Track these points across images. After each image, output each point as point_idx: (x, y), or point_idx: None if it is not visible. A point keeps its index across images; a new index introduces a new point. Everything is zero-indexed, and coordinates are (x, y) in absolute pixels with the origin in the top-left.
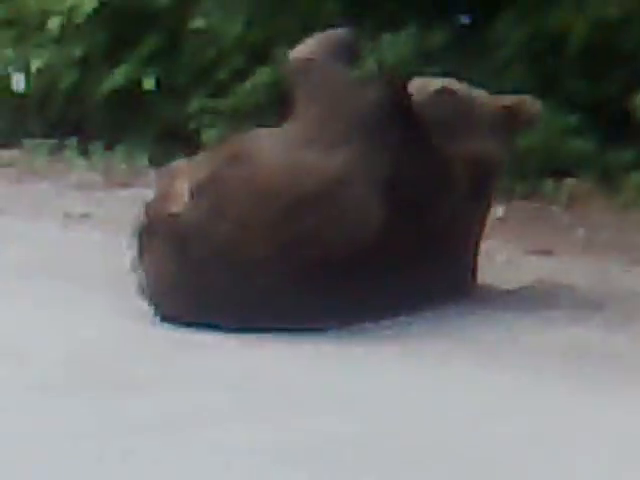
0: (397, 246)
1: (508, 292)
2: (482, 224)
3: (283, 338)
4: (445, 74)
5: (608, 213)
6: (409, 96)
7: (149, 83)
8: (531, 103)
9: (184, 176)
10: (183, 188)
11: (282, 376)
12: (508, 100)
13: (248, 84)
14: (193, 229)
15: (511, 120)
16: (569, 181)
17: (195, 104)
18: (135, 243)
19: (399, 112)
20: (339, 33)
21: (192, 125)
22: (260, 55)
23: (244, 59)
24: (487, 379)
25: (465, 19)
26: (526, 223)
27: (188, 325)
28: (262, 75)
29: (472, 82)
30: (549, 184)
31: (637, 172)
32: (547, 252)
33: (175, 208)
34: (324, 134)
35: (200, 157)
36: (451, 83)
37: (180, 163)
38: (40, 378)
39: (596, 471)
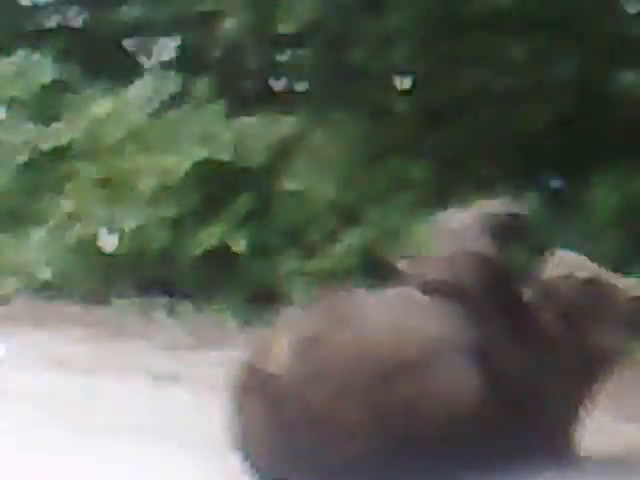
0: (489, 421)
1: (598, 460)
2: (590, 402)
3: None
4: (539, 238)
5: None
6: (510, 277)
7: (240, 244)
8: None
9: (285, 334)
10: (283, 347)
11: None
12: (636, 289)
13: (339, 246)
14: (290, 391)
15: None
16: None
17: (286, 266)
18: (232, 399)
19: (504, 292)
20: (503, 213)
21: (283, 287)
22: (351, 216)
23: (335, 220)
24: None
25: (556, 183)
26: (620, 391)
27: None
28: (353, 237)
29: (568, 246)
30: None
31: None
32: (637, 419)
33: (273, 368)
34: (428, 301)
35: (302, 313)
36: (596, 271)
37: (281, 319)
38: None
39: None
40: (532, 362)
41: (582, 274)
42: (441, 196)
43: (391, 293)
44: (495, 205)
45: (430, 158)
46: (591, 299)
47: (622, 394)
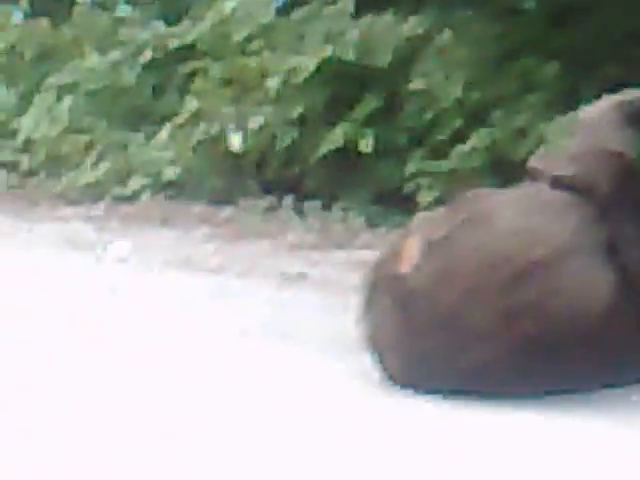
0: (623, 326)
1: None
2: None
3: (499, 404)
4: None
5: None
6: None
7: (366, 144)
8: None
9: (416, 235)
10: (413, 247)
11: (495, 445)
12: None
13: (466, 147)
14: (418, 293)
15: None
16: None
17: (412, 166)
18: (362, 299)
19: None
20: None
21: (409, 187)
22: (478, 117)
23: (463, 121)
24: None
25: None
26: None
27: (405, 387)
28: (480, 138)
29: None
30: None
31: None
32: None
33: (403, 269)
34: (558, 198)
35: (435, 214)
36: None
37: (415, 220)
38: None
39: None
40: None
41: None
42: (570, 97)
43: (521, 191)
44: (634, 93)
45: (558, 58)
46: None
47: None
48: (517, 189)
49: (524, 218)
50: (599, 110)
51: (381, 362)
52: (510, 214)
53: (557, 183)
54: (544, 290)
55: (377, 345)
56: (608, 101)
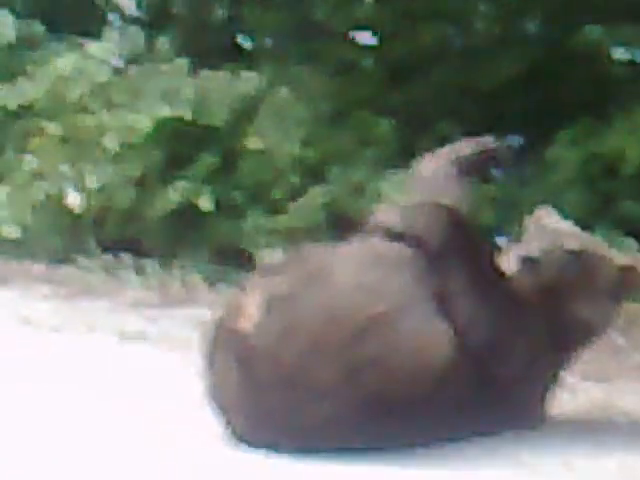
0: (459, 382)
1: (563, 416)
2: (566, 366)
3: (337, 458)
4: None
5: None
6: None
7: (205, 202)
8: None
9: (255, 291)
10: (254, 304)
11: None
12: (624, 260)
13: (303, 203)
14: (261, 350)
15: (629, 282)
16: (627, 305)
17: (251, 223)
18: (204, 356)
19: (469, 247)
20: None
21: (247, 244)
22: (316, 174)
23: (300, 178)
24: None
25: (516, 140)
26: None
27: (249, 445)
28: (317, 194)
29: (529, 203)
30: None
31: None
32: (602, 377)
33: (244, 325)
34: (394, 252)
35: (272, 271)
36: (577, 234)
37: (255, 274)
38: None
39: None
40: (502, 325)
41: (570, 245)
42: (405, 153)
43: (357, 245)
44: (468, 146)
45: (394, 115)
46: (578, 272)
47: (587, 354)
48: (354, 242)
49: (362, 273)
50: (433, 163)
51: (225, 420)
52: (349, 269)
53: (390, 235)
54: (384, 346)
55: (220, 403)
56: (442, 154)
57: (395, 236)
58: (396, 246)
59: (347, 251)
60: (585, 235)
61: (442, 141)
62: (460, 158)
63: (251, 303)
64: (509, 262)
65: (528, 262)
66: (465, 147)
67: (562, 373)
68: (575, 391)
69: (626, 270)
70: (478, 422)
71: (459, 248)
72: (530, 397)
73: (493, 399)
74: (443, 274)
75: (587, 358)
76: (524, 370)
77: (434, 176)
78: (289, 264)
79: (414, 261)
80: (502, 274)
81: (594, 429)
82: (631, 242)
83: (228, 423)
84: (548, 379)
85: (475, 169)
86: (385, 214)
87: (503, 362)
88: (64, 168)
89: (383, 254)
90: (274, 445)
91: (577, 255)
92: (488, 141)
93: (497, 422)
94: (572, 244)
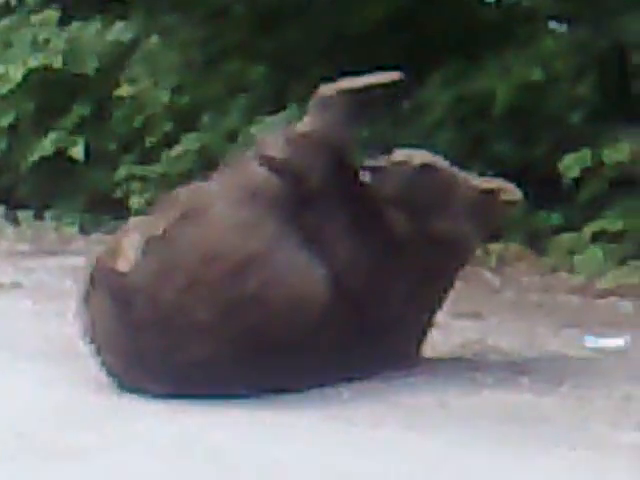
0: (338, 325)
1: (437, 356)
2: (439, 302)
3: (214, 404)
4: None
5: (536, 275)
6: (355, 171)
7: (77, 151)
8: (512, 190)
9: (132, 233)
10: (132, 245)
11: (214, 443)
12: (489, 184)
13: (175, 150)
14: (137, 290)
15: (489, 205)
16: (499, 244)
17: (123, 171)
18: (81, 295)
19: (346, 186)
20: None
21: (120, 192)
22: (188, 121)
23: (172, 126)
24: (416, 443)
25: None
26: (455, 286)
27: (121, 389)
28: (190, 141)
29: (402, 144)
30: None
31: (564, 234)
32: (476, 315)
33: (122, 265)
34: (269, 186)
35: (149, 213)
36: (434, 159)
37: (132, 220)
38: None
39: None
40: (380, 268)
41: (419, 159)
42: (279, 98)
43: (233, 179)
44: (367, 79)
45: (267, 60)
46: (431, 184)
47: (460, 293)
48: (230, 175)
49: (237, 210)
50: (329, 93)
51: (100, 360)
52: (223, 207)
53: (269, 164)
54: (260, 285)
55: (95, 342)
56: (341, 85)
57: (275, 168)
58: (273, 180)
59: (222, 187)
60: (442, 161)
61: (315, 86)
62: (355, 93)
63: (128, 244)
64: None
65: (373, 171)
66: (361, 79)
67: (435, 313)
68: (449, 330)
69: (487, 193)
70: (355, 364)
71: (339, 188)
72: (406, 338)
73: (370, 341)
74: (321, 213)
75: (460, 297)
76: (401, 312)
77: (328, 108)
78: (165, 205)
79: (291, 198)
80: (380, 216)
81: (468, 367)
82: None
83: (103, 364)
84: (423, 320)
85: (370, 102)
86: (268, 143)
87: (381, 304)
88: None
89: (259, 190)
90: (149, 386)
91: (427, 168)
92: (383, 74)
93: (374, 364)
94: (422, 159)
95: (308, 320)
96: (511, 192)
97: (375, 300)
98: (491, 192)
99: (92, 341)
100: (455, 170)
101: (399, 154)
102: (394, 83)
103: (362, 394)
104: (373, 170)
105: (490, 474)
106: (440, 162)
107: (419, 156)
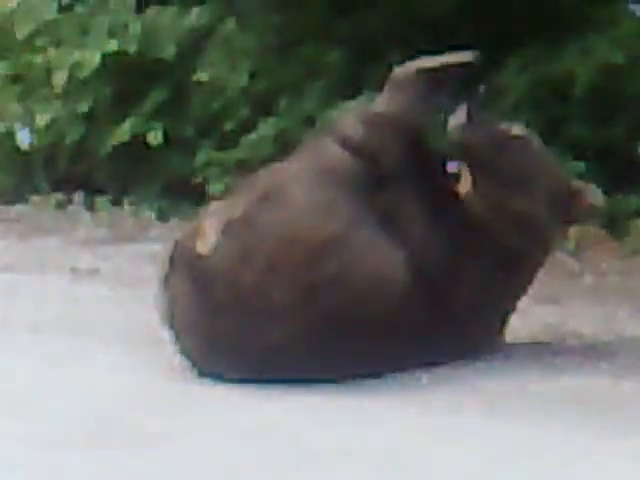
0: (417, 309)
1: (516, 341)
2: (523, 288)
3: (293, 390)
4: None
5: (615, 259)
6: (430, 152)
7: (155, 137)
8: (595, 195)
9: (212, 216)
10: (212, 227)
11: (293, 428)
12: (575, 183)
13: (254, 136)
14: (217, 273)
15: (571, 202)
16: (576, 227)
17: (201, 157)
18: (161, 279)
19: (422, 167)
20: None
21: (199, 178)
22: (265, 106)
23: (249, 110)
24: (496, 428)
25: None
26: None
27: (200, 375)
28: (267, 126)
29: None
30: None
31: None
32: (555, 299)
33: (202, 248)
34: (346, 166)
35: (228, 197)
36: (530, 136)
37: (213, 204)
38: (53, 434)
39: None
40: (456, 250)
41: (515, 130)
42: (355, 83)
43: (311, 159)
44: (440, 59)
45: (343, 45)
46: (520, 159)
47: (539, 277)
48: (307, 156)
49: (315, 191)
50: (405, 73)
51: (179, 344)
52: (301, 188)
53: (345, 145)
54: (339, 266)
55: (174, 326)
56: (416, 64)
57: (351, 148)
58: (350, 161)
59: (299, 168)
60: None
61: (391, 71)
62: (432, 69)
63: (209, 226)
64: None
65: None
66: (437, 59)
67: (518, 299)
68: (528, 315)
69: (573, 190)
70: (435, 349)
71: (415, 169)
72: (486, 324)
73: (449, 326)
74: (396, 194)
75: (540, 281)
76: (480, 296)
77: (404, 87)
78: (245, 188)
79: (367, 178)
80: (456, 197)
81: (547, 352)
82: (581, 166)
83: (181, 349)
84: (504, 305)
85: (446, 82)
86: (345, 123)
87: (458, 288)
88: (13, 107)
89: (336, 170)
90: (227, 371)
91: (520, 141)
92: (459, 54)
93: (453, 349)
94: (518, 132)
95: (389, 302)
96: (594, 195)
97: (452, 283)
98: (575, 190)
99: (171, 326)
100: (548, 155)
101: (494, 124)
102: (470, 63)
103: (441, 379)
104: (466, 127)
105: (569, 459)
106: (536, 142)
107: (516, 128)
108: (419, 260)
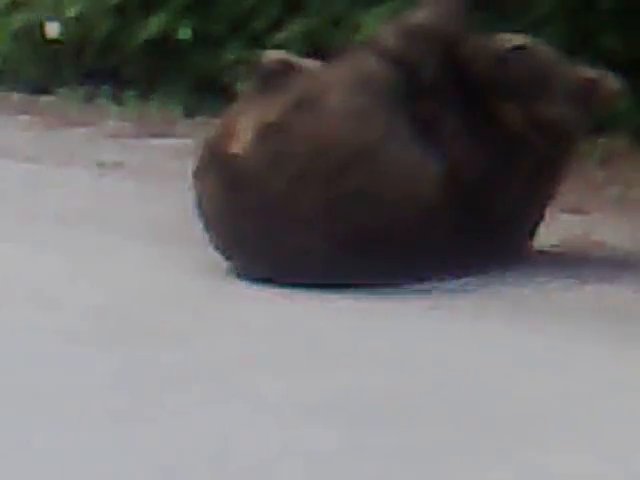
0: (449, 223)
1: (540, 250)
2: (551, 196)
3: (317, 292)
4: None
5: None
6: (464, 56)
7: (184, 33)
8: (613, 81)
9: (249, 115)
10: (246, 128)
11: (315, 330)
12: (590, 73)
13: (283, 35)
14: (249, 174)
15: (590, 94)
16: (603, 139)
17: (230, 55)
18: (193, 178)
19: (460, 79)
20: None
21: (227, 76)
22: (294, 6)
23: (279, 9)
24: (518, 336)
25: None
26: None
27: (226, 272)
28: (296, 26)
29: None
30: (583, 141)
31: None
32: (580, 210)
33: (235, 148)
34: (384, 74)
35: (268, 94)
36: (530, 43)
37: (247, 100)
38: (72, 328)
39: (626, 431)
40: (496, 162)
41: (514, 41)
42: None
43: (348, 68)
44: None
45: None
46: (525, 66)
47: (565, 187)
48: (344, 65)
49: (350, 99)
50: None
51: (208, 237)
52: (337, 96)
53: (383, 55)
54: (370, 176)
55: (204, 220)
56: None
57: (389, 58)
58: (387, 71)
59: (335, 76)
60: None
61: None
62: None
63: (243, 128)
64: None
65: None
66: None
67: (546, 207)
68: (552, 225)
69: (587, 81)
70: (465, 262)
71: (453, 81)
72: (518, 234)
73: (482, 238)
74: (434, 107)
75: (566, 192)
76: (515, 208)
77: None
78: (278, 90)
79: (405, 89)
80: (494, 109)
81: (571, 262)
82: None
83: (210, 240)
84: (535, 215)
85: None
86: (383, 34)
87: (496, 201)
88: None
89: (373, 79)
90: (250, 270)
91: (520, 50)
92: None
93: (483, 257)
94: (516, 42)
95: (417, 216)
96: (611, 82)
97: (490, 197)
98: (591, 81)
99: (202, 222)
100: (554, 56)
101: (496, 37)
102: None
103: (466, 286)
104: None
105: (589, 368)
106: (538, 47)
107: (515, 38)
108: (458, 172)
